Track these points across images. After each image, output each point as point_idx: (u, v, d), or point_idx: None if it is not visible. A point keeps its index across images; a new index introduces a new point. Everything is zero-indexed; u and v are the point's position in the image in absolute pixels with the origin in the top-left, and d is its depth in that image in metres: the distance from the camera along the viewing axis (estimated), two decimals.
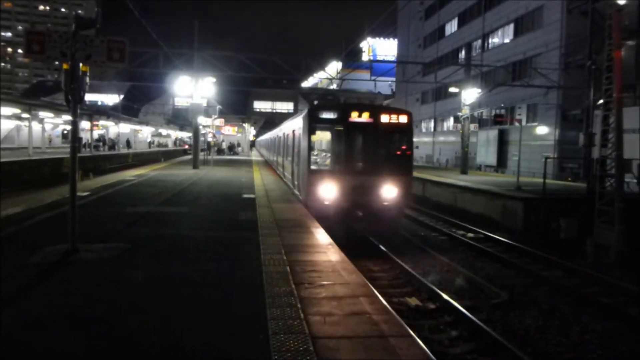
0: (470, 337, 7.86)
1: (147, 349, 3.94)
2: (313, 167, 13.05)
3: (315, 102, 15.68)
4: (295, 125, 15.31)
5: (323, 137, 14.28)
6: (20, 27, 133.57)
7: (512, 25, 38.17)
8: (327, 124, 13.00)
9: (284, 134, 19.92)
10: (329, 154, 13.80)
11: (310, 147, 12.92)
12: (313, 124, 12.84)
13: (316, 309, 4.81)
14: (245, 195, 13.85)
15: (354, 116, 12.66)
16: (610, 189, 15.09)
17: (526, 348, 7.51)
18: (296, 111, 63.92)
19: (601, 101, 15.99)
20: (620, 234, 13.92)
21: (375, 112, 12.87)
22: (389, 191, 12.69)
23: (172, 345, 4.02)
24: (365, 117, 12.70)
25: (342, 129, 12.76)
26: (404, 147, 13.40)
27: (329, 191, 12.46)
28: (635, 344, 8.02)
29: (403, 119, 12.97)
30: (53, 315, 4.57)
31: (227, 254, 7.14)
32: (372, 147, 12.90)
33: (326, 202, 12.41)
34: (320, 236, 8.55)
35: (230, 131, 51.25)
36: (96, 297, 5.14)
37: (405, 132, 13.31)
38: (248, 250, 7.20)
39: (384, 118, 12.78)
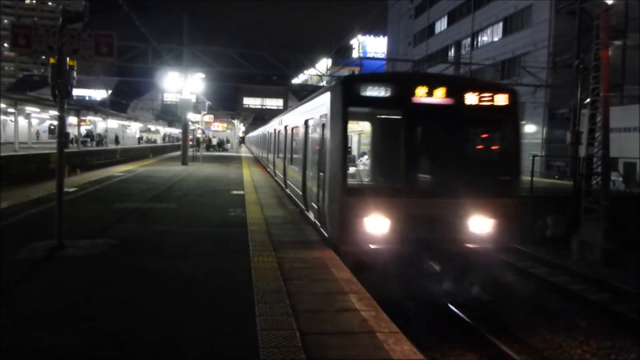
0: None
1: (135, 344, 3.92)
2: (351, 182, 7.87)
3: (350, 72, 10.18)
4: (312, 111, 9.64)
5: (363, 129, 9.90)
6: (6, 21, 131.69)
7: (501, 24, 38.42)
8: (375, 108, 8.14)
9: (285, 127, 14.17)
10: (373, 160, 9.37)
11: (346, 148, 7.82)
12: (351, 106, 7.63)
13: (305, 305, 4.82)
14: (234, 192, 13.81)
15: (421, 94, 7.59)
16: (597, 187, 15.28)
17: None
18: (286, 108, 63.43)
19: (588, 100, 16.18)
20: (606, 231, 14.12)
21: (456, 89, 7.78)
22: (480, 224, 7.57)
23: (161, 340, 4.01)
24: (439, 96, 7.65)
25: (400, 116, 7.82)
26: (505, 148, 8.26)
27: (379, 226, 7.34)
28: (619, 340, 8.15)
29: (501, 99, 7.81)
30: (41, 311, 4.52)
31: (215, 250, 7.11)
32: (452, 149, 7.89)
33: (374, 246, 7.33)
34: (309, 232, 8.54)
35: (219, 127, 51.10)
36: (83, 293, 5.10)
37: (506, 121, 8.04)
38: (237, 247, 7.18)
39: (471, 98, 7.71)
